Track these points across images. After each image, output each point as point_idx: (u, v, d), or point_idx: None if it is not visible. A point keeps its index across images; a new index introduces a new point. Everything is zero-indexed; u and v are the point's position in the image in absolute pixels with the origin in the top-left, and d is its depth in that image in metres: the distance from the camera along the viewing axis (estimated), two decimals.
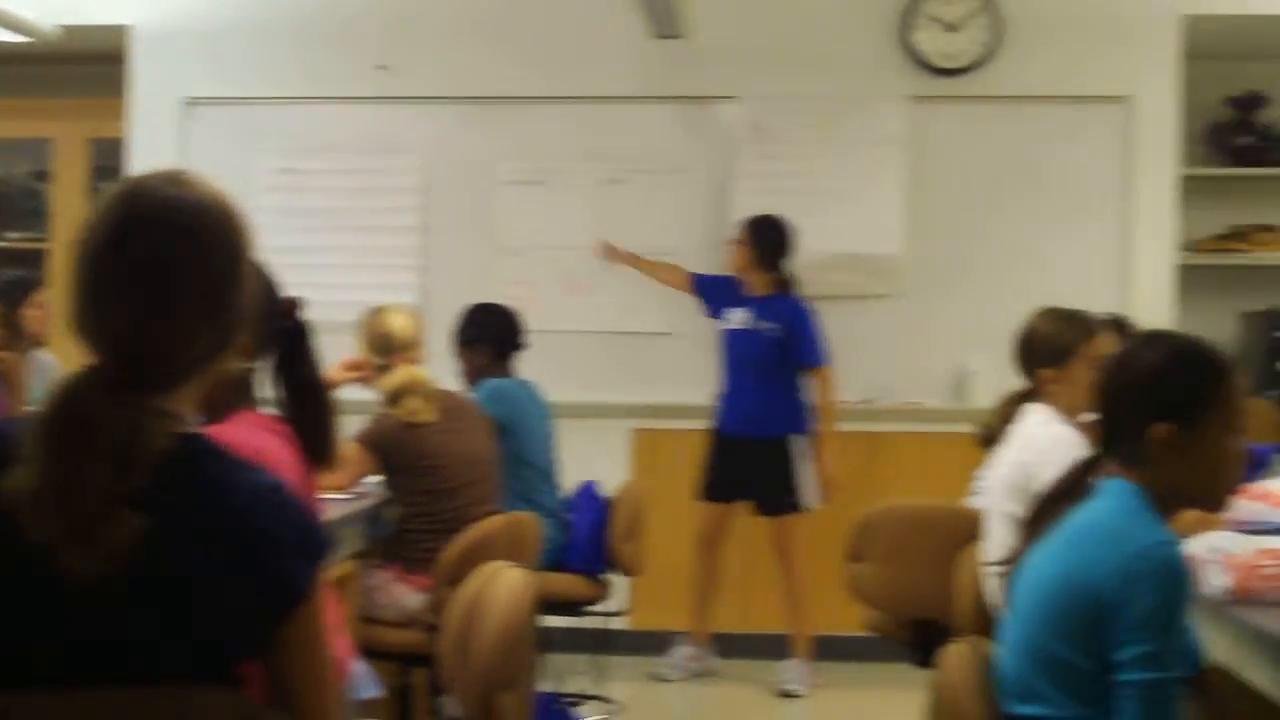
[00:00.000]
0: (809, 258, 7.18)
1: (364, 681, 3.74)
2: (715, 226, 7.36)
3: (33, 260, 7.77)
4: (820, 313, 6.84)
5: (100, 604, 1.94)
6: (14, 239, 8.26)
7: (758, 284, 6.82)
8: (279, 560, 2.04)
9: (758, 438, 6.71)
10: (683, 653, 6.94)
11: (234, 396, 2.92)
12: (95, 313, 2.02)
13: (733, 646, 7.02)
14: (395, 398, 4.89)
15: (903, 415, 7.29)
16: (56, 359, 6.60)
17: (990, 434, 4.41)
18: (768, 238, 6.81)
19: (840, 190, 7.34)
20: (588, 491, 5.79)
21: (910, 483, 6.85)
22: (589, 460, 6.39)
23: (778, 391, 6.74)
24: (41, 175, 8.29)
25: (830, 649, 6.98)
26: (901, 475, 7.08)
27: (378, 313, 5.11)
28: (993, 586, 4.20)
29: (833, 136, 7.38)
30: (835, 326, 7.21)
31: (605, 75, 7.49)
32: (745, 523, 6.88)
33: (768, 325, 6.74)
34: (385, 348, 5.00)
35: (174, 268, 2.03)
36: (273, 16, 7.64)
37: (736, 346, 6.82)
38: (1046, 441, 4.15)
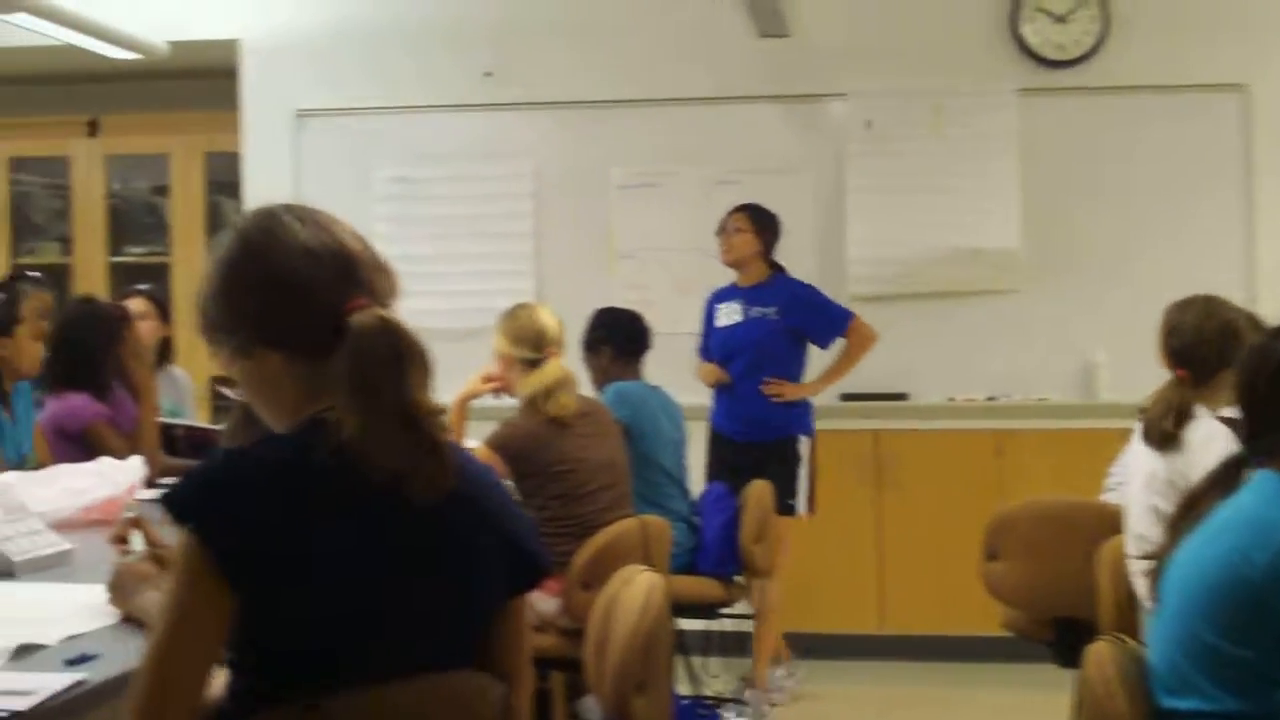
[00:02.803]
0: (925, 254, 7.17)
1: None
2: (828, 225, 7.35)
3: (154, 274, 7.86)
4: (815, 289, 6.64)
5: (417, 572, 2.11)
6: (135, 253, 8.36)
7: (753, 274, 6.61)
8: (530, 540, 2.27)
9: (756, 441, 6.48)
10: (778, 675, 6.59)
11: None
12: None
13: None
14: (548, 393, 4.88)
15: (1029, 411, 7.21)
16: (186, 373, 6.67)
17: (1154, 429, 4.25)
18: (771, 225, 6.62)
19: (954, 185, 7.29)
20: (715, 493, 5.75)
21: (1039, 480, 6.75)
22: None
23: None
24: (160, 190, 8.39)
25: (969, 650, 6.95)
26: (1030, 472, 6.97)
27: (524, 309, 5.10)
28: (1139, 582, 4.15)
29: (944, 131, 7.33)
30: (955, 323, 7.21)
31: (713, 76, 7.49)
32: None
33: (763, 310, 6.52)
34: (538, 343, 4.98)
35: None
36: (380, 27, 7.70)
37: (726, 342, 6.58)
38: (1198, 437, 4.09)
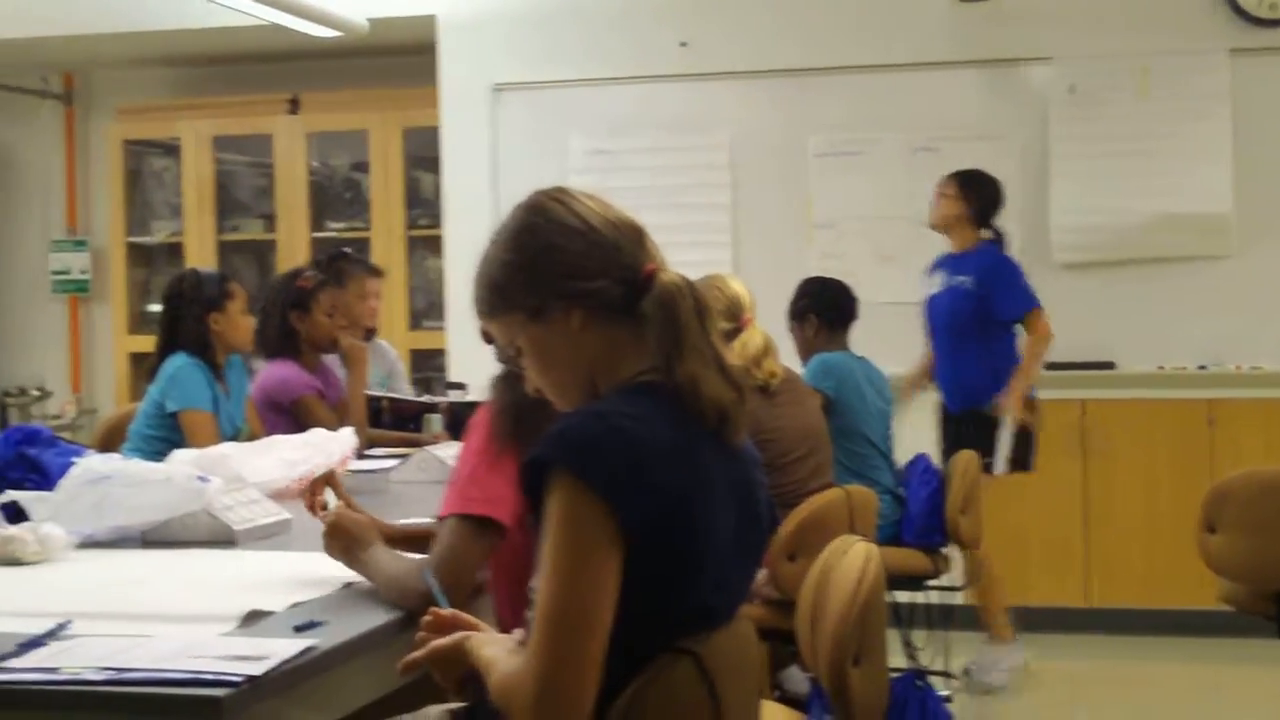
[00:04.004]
0: (1133, 220, 7.03)
1: None
2: (1032, 192, 7.20)
3: (354, 249, 7.96)
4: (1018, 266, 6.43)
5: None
6: (336, 229, 8.48)
7: (960, 240, 6.47)
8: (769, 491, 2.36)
9: (968, 409, 6.37)
10: (991, 655, 6.35)
11: None
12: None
13: None
14: (756, 360, 4.84)
15: (1242, 380, 7.01)
16: (391, 346, 6.74)
17: None
18: (981, 191, 6.47)
19: (1162, 150, 7.11)
20: (921, 464, 5.67)
21: (1253, 450, 6.58)
22: (916, 433, 6.29)
23: (971, 356, 6.38)
24: (360, 166, 8.50)
25: (1178, 623, 6.80)
26: (1243, 443, 6.77)
27: (714, 279, 5.04)
28: None
29: (1152, 94, 7.14)
30: (1164, 290, 7.04)
31: (913, 42, 7.38)
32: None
33: (961, 279, 6.37)
34: (734, 311, 4.93)
35: None
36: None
37: (927, 309, 6.53)
38: None
